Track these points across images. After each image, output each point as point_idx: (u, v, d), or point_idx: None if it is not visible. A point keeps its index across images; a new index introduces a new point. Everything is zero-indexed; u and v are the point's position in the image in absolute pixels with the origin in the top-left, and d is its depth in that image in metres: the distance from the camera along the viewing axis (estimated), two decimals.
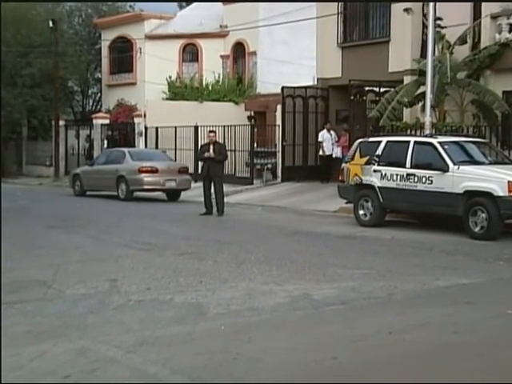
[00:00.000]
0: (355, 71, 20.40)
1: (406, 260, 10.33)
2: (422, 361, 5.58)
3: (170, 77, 31.34)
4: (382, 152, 14.01)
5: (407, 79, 18.47)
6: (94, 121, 30.98)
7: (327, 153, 21.46)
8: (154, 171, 20.37)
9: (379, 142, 14.24)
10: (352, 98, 19.82)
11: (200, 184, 21.03)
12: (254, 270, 9.23)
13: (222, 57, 32.02)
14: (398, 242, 12.18)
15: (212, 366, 5.43)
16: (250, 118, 26.66)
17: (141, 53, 31.53)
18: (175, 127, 26.27)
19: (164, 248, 11.16)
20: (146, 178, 20.25)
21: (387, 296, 7.89)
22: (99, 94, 35.57)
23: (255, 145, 23.72)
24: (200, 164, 24.52)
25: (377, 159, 14.03)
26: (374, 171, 14.01)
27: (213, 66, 31.43)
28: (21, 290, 8.01)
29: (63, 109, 34.55)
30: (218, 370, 5.32)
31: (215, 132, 16.78)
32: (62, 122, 32.87)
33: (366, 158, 14.30)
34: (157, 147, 27.24)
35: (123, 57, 32.93)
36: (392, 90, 17.69)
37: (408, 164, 13.43)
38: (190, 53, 32.53)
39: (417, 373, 5.32)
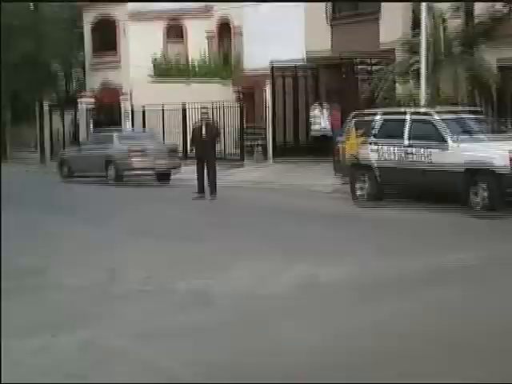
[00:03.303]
0: (345, 45, 20.03)
1: (410, 239, 10.12)
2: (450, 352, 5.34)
3: (156, 57, 30.77)
4: (379, 129, 13.74)
5: (399, 52, 18.15)
6: (79, 103, 30.43)
7: (317, 131, 21.15)
8: (143, 152, 19.98)
9: (374, 118, 13.95)
10: (343, 73, 19.45)
11: (189, 165, 20.86)
12: (256, 254, 8.99)
13: (207, 36, 31.48)
14: (398, 220, 11.96)
15: (225, 360, 5.18)
16: (238, 95, 26.22)
17: (125, 32, 30.93)
18: (162, 108, 25.83)
19: (161, 233, 10.88)
20: (136, 159, 19.86)
21: (397, 277, 7.68)
22: (83, 76, 34.93)
23: (244, 124, 23.36)
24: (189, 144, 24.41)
25: (373, 136, 13.77)
26: (371, 149, 13.76)
27: (198, 45, 30.89)
28: (17, 278, 7.70)
29: (47, 92, 33.89)
30: (232, 365, 5.07)
31: (208, 109, 16.37)
32: (45, 106, 32.29)
33: (361, 136, 14.03)
34: (143, 128, 26.79)
35: (106, 37, 32.27)
36: (385, 66, 17.36)
37: (406, 140, 13.18)
38: (175, 32, 31.97)
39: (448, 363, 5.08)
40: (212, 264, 8.42)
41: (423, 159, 12.82)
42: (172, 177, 20.55)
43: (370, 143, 13.78)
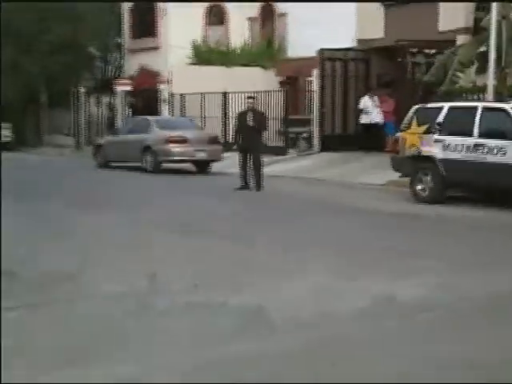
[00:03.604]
0: (399, 32, 18.70)
1: (489, 246, 8.86)
2: None
3: (195, 42, 29.66)
4: (444, 119, 12.45)
5: (461, 39, 16.80)
6: (116, 88, 29.46)
7: (368, 121, 19.86)
8: (183, 141, 18.90)
9: (440, 108, 12.66)
10: (400, 60, 18.11)
11: (230, 154, 19.79)
12: (312, 259, 7.83)
13: (249, 19, 30.28)
14: (470, 222, 10.70)
15: None
16: (283, 82, 24.99)
17: (164, 15, 29.84)
18: (203, 94, 24.73)
19: (203, 229, 9.77)
20: (175, 148, 18.78)
21: (487, 296, 6.46)
22: (120, 60, 33.98)
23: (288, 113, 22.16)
24: (231, 133, 23.34)
25: (438, 128, 12.49)
26: (435, 141, 12.48)
27: (240, 30, 29.73)
28: (44, 286, 6.65)
29: (83, 76, 33.03)
30: None
31: (254, 98, 15.21)
32: (82, 90, 31.42)
33: (424, 127, 12.77)
34: (182, 115, 25.76)
35: (145, 20, 31.27)
36: (446, 52, 16.00)
37: (476, 133, 11.88)
38: (216, 16, 30.82)
39: None
40: (267, 272, 7.27)
41: (496, 153, 11.51)
42: (211, 167, 19.51)
43: (435, 134, 12.50)
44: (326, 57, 20.36)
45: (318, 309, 6.02)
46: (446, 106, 12.59)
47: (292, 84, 24.67)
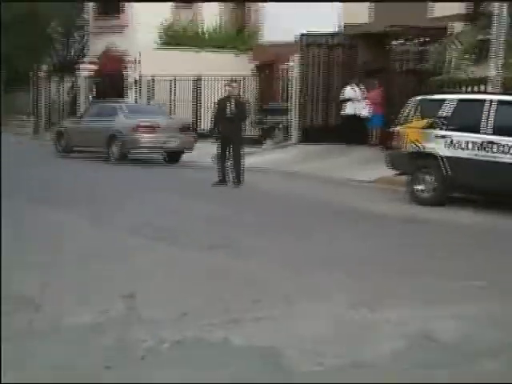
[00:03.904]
0: (388, 17, 17.42)
1: None
2: None
3: (164, 23, 28.02)
4: (450, 113, 11.23)
5: (456, 26, 15.62)
6: (79, 69, 27.75)
7: (351, 112, 18.57)
8: (152, 128, 17.43)
9: (445, 100, 11.43)
10: (389, 47, 16.84)
11: (202, 145, 18.37)
12: (321, 279, 6.53)
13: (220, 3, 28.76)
14: (484, 229, 9.51)
15: None
16: (258, 68, 23.59)
17: None
18: (173, 78, 23.22)
19: (184, 236, 8.39)
20: (144, 136, 17.32)
21: None
22: (84, 40, 32.15)
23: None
24: (203, 121, 21.96)
25: (443, 122, 11.26)
26: (439, 137, 11.24)
27: (211, 11, 28.20)
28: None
29: (43, 55, 31.14)
30: None
31: (236, 82, 13.78)
32: (42, 71, 29.61)
33: (427, 121, 11.54)
34: (151, 100, 24.22)
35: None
36: (443, 39, 14.81)
37: (486, 129, 10.68)
38: None
39: None
40: (272, 298, 5.93)
41: (509, 152, 10.33)
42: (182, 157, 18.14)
43: (438, 128, 11.28)
44: (308, 42, 18.99)
45: (342, 350, 4.73)
46: (452, 98, 11.37)
47: (268, 70, 23.27)
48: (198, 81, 22.52)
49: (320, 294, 6.02)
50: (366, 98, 18.51)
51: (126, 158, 17.56)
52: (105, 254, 7.28)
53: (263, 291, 6.07)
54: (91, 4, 30.36)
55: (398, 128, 12.08)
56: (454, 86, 14.54)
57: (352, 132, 18.48)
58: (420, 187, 11.54)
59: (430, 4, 16.81)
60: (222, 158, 13.52)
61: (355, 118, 18.50)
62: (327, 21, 19.98)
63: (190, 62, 24.62)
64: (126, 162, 17.22)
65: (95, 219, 9.33)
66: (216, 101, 14.06)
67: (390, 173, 14.19)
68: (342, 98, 18.67)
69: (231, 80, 13.91)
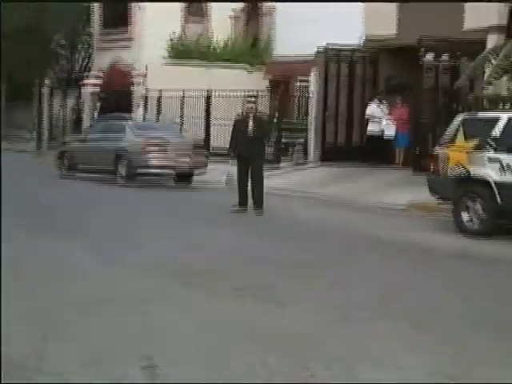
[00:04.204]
0: (414, 29, 16.24)
1: None
2: None
3: (173, 37, 26.86)
4: (502, 133, 9.99)
5: (492, 39, 14.43)
6: (84, 85, 26.59)
7: (376, 131, 17.34)
8: (162, 147, 16.21)
9: (495, 119, 10.20)
10: (421, 61, 15.60)
11: (214, 165, 17.20)
12: (384, 335, 5.27)
13: (233, 15, 27.65)
14: None
15: None
16: (272, 84, 22.40)
17: (139, 6, 27.04)
18: (182, 94, 22.03)
19: (207, 275, 7.14)
20: (153, 155, 16.09)
21: None
22: (89, 55, 31.04)
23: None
24: (214, 138, 20.74)
25: (493, 143, 10.03)
26: (490, 160, 10.01)
27: (222, 26, 27.07)
28: None
29: (47, 70, 30.04)
30: None
31: (256, 99, 12.58)
32: (45, 86, 28.44)
33: (474, 142, 10.30)
34: (159, 117, 23.03)
35: (118, 11, 28.36)
36: (483, 53, 13.58)
37: None
38: (196, 9, 28.08)
39: None
40: (320, 356, 4.67)
41: None
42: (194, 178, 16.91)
43: (489, 151, 10.05)
44: (329, 56, 17.75)
45: None
46: (504, 116, 10.13)
47: (283, 86, 22.06)
48: (209, 97, 21.32)
49: (387, 357, 4.77)
50: (390, 117, 17.27)
51: (134, 178, 16.31)
52: (114, 301, 6.03)
53: (311, 352, 4.82)
54: (97, 16, 29.30)
55: (439, 149, 10.83)
56: (493, 103, 13.34)
57: (374, 152, 17.27)
58: (467, 216, 10.28)
59: (465, 15, 15.61)
60: (241, 180, 12.27)
61: (379, 138, 17.27)
62: (347, 33, 18.79)
63: (200, 77, 23.47)
64: (133, 184, 15.98)
65: (102, 254, 8.07)
66: (234, 118, 12.81)
67: (421, 197, 13.06)
68: (367, 116, 17.43)
69: (250, 95, 12.68)
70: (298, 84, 21.00)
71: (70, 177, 17.64)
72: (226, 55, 26.11)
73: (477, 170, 10.15)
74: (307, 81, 19.70)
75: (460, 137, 10.50)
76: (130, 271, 7.21)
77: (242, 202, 12.26)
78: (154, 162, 16.03)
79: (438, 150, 10.86)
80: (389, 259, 8.51)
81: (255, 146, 12.10)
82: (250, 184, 12.18)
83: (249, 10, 27.38)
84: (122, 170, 16.31)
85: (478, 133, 10.28)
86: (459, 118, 10.71)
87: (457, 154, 10.44)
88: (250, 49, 26.12)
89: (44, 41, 28.66)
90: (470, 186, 10.30)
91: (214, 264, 7.75)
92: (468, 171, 10.26)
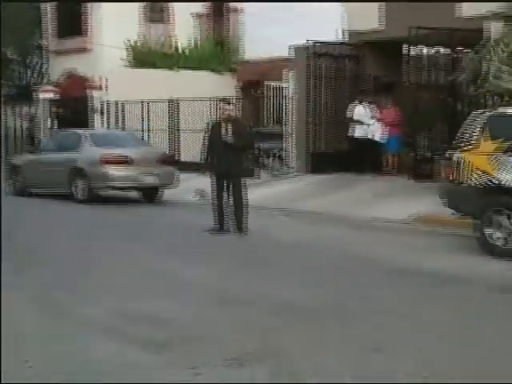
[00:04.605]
0: (404, 20, 14.48)
1: None
2: None
3: (132, 41, 24.91)
4: None
5: (491, 27, 12.77)
6: (38, 95, 24.51)
7: (362, 135, 15.59)
8: (124, 161, 14.30)
9: None
10: (408, 56, 13.80)
11: (183, 177, 15.40)
12: None
13: (195, 15, 25.75)
14: None
15: None
16: (244, 88, 20.61)
17: (94, 11, 25.01)
18: (146, 102, 20.11)
19: (188, 339, 5.24)
20: (114, 170, 14.17)
21: None
22: (43, 64, 28.83)
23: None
24: (181, 150, 18.90)
25: None
26: None
27: (185, 27, 25.19)
28: None
29: None
30: None
31: (232, 104, 10.69)
32: None
33: (500, 143, 8.58)
34: (119, 127, 21.08)
35: (72, 17, 26.29)
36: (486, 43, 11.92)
37: None
38: (156, 10, 26.15)
39: None
40: None
41: None
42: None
43: None
44: (310, 53, 15.93)
45: None
46: None
47: (254, 90, 20.25)
48: (174, 104, 19.41)
49: None
50: (378, 119, 15.52)
51: (93, 197, 14.36)
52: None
53: None
54: (50, 24, 27.19)
55: (454, 153, 9.08)
56: (498, 98, 11.71)
57: (363, 158, 15.53)
58: (492, 233, 8.55)
59: (459, 3, 13.96)
60: (219, 197, 10.41)
61: (367, 142, 15.52)
62: (323, 31, 17.01)
63: (164, 83, 21.61)
64: (93, 202, 14.07)
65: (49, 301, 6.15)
66: (207, 125, 10.92)
67: (426, 209, 11.39)
68: (349, 116, 15.65)
69: (225, 100, 10.75)
70: (272, 86, 19.19)
71: (24, 194, 15.67)
72: (192, 59, 24.26)
73: (504, 177, 8.42)
74: (282, 82, 17.94)
75: (484, 138, 8.75)
76: (91, 332, 5.30)
77: (219, 221, 10.42)
78: (115, 179, 14.10)
79: (452, 154, 9.09)
80: (414, 292, 6.73)
81: (234, 157, 10.25)
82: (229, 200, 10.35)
83: (213, 8, 25.58)
84: (78, 191, 14.35)
85: (505, 133, 8.56)
86: (483, 116, 8.95)
87: (479, 158, 8.70)
88: (218, 51, 24.32)
89: None
90: (496, 197, 8.56)
91: (189, 314, 5.86)
92: (494, 179, 8.53)
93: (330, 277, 7.48)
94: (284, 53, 17.92)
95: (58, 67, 26.42)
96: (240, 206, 10.33)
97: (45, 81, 27.17)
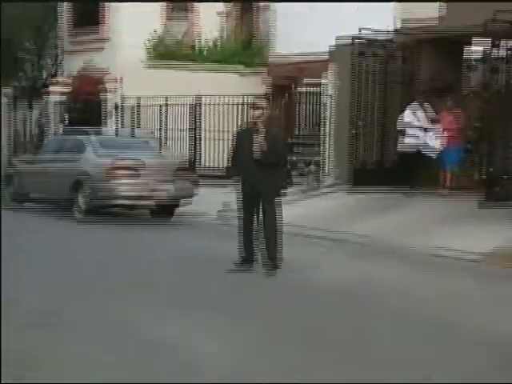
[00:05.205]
0: (466, 14, 12.22)
1: None
2: None
3: (153, 37, 22.90)
4: None
5: None
6: (49, 94, 22.57)
7: (412, 148, 13.29)
8: (135, 170, 12.16)
9: None
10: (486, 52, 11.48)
11: (205, 190, 13.35)
12: None
13: (223, 11, 23.66)
14: None
15: None
16: (273, 90, 18.38)
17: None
18: (165, 102, 18.03)
19: None
20: (123, 182, 12.03)
21: None
22: (57, 59, 26.90)
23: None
24: (204, 157, 16.74)
25: None
26: None
27: (211, 23, 23.11)
28: None
29: (7, 79, 25.88)
30: None
31: (265, 102, 8.42)
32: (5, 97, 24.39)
33: None
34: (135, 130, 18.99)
35: (89, 9, 24.35)
36: None
37: None
38: (179, 5, 24.08)
39: None
40: None
41: None
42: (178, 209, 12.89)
43: None
44: (356, 50, 13.63)
45: None
46: None
47: (287, 92, 18.02)
48: (196, 105, 17.26)
49: None
50: (436, 125, 13.22)
51: (98, 212, 12.26)
52: None
53: None
54: (66, 15, 25.24)
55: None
56: None
57: (416, 174, 13.26)
58: None
59: None
60: (246, 222, 8.22)
61: (418, 154, 13.23)
62: (366, 26, 14.74)
63: (186, 82, 19.57)
64: (95, 219, 11.94)
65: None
66: (235, 132, 8.72)
67: (503, 241, 9.11)
68: (399, 127, 13.38)
69: (256, 99, 8.52)
70: (306, 89, 16.97)
71: (17, 208, 13.58)
72: (216, 56, 22.16)
73: None
74: (319, 83, 15.72)
75: None
76: None
77: (247, 255, 8.23)
78: (123, 191, 11.96)
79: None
80: None
81: (265, 172, 8.04)
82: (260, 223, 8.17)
83: (242, 4, 23.45)
84: (81, 202, 12.24)
85: None
86: None
87: None
88: (245, 48, 22.20)
89: (4, 43, 24.57)
90: None
91: None
92: None
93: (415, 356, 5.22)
94: (322, 51, 15.78)
95: (73, 63, 24.45)
96: (271, 234, 8.12)
97: (58, 77, 25.26)
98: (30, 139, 23.61)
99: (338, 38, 14.03)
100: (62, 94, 22.48)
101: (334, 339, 5.50)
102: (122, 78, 20.21)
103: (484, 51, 11.36)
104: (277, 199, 8.22)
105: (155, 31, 22.53)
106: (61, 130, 20.78)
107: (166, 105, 18.03)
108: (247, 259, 8.23)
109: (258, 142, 8.04)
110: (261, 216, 8.19)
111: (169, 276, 7.84)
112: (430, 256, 9.23)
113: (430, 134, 13.11)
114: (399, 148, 13.40)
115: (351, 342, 5.42)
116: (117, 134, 15.57)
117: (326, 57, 14.99)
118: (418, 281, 7.92)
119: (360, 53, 13.28)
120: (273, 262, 8.09)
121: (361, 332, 5.72)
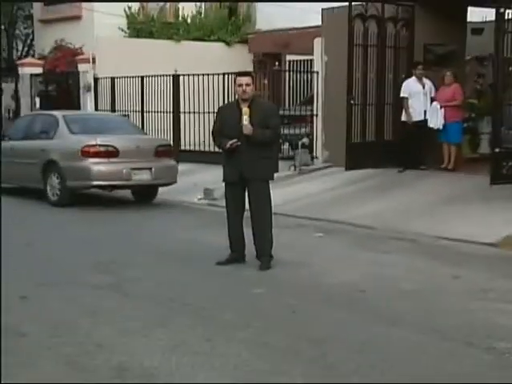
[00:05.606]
0: None
1: None
2: None
3: (130, 7, 21.74)
4: None
5: None
6: (21, 69, 21.35)
7: (416, 117, 12.28)
8: (110, 153, 11.07)
9: None
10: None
11: (185, 167, 12.41)
12: None
13: None
14: None
15: None
16: (259, 62, 17.32)
17: None
18: (141, 77, 16.88)
19: None
20: (97, 165, 10.95)
21: None
22: (30, 35, 25.58)
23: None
24: (186, 137, 15.64)
25: None
26: None
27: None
28: None
29: None
30: None
31: (252, 78, 7.30)
32: None
33: None
34: (113, 109, 17.89)
35: None
36: None
37: None
38: None
39: None
40: None
41: None
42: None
43: None
44: (333, 19, 12.48)
45: None
46: None
47: (275, 63, 16.91)
48: (176, 78, 16.13)
49: None
50: (435, 98, 12.21)
51: (73, 198, 11.21)
52: None
53: None
54: None
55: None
56: None
57: (417, 150, 12.26)
58: None
59: None
60: (232, 209, 7.18)
61: (423, 128, 12.22)
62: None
63: (166, 56, 18.47)
64: (71, 202, 10.98)
65: None
66: (218, 108, 7.61)
67: None
68: (403, 94, 12.30)
69: (242, 73, 7.40)
70: (296, 59, 15.92)
71: None
72: (195, 33, 21.01)
73: None
74: (306, 54, 14.69)
75: None
76: None
77: (235, 248, 7.21)
78: (99, 175, 10.90)
79: None
80: None
81: (255, 154, 6.99)
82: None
83: None
84: (54, 187, 11.19)
85: None
86: None
87: None
88: (228, 19, 21.08)
89: None
90: None
91: None
92: None
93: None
94: (311, 21, 14.75)
95: (46, 38, 23.17)
96: (262, 224, 7.09)
97: (31, 53, 23.99)
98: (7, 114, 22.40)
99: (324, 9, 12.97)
100: (36, 65, 21.31)
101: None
102: (94, 59, 19.06)
103: (497, 10, 10.23)
104: (266, 185, 7.17)
105: (129, 8, 21.39)
106: (37, 105, 19.76)
107: (142, 79, 16.87)
108: (234, 253, 7.20)
109: (247, 114, 6.94)
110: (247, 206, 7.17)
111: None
112: (443, 244, 8.25)
113: (432, 107, 12.10)
114: (403, 118, 12.36)
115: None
116: (88, 115, 14.47)
117: (313, 30, 13.97)
118: (435, 275, 6.92)
119: (358, 15, 12.11)
120: (263, 253, 7.07)
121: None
